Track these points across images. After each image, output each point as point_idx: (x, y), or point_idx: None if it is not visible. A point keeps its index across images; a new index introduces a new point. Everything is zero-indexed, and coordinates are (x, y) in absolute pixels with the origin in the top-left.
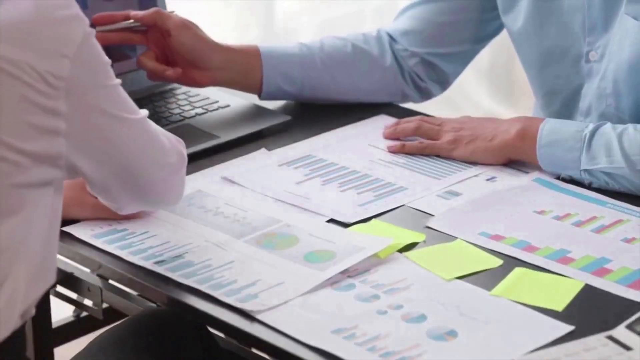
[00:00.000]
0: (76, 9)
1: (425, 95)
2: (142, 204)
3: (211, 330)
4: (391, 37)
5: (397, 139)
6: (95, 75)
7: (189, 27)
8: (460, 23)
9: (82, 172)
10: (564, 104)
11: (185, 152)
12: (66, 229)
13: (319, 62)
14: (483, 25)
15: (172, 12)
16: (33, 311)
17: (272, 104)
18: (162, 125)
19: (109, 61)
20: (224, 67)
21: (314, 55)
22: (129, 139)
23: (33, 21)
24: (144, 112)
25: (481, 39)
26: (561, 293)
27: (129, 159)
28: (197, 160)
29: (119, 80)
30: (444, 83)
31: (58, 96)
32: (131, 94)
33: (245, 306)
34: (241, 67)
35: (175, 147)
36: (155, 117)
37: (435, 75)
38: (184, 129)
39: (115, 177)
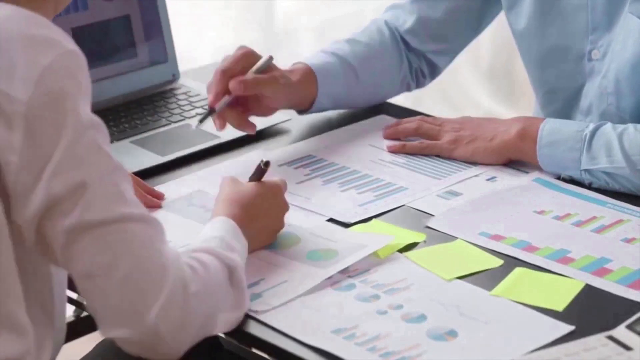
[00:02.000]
0: (53, 33)
1: (418, 86)
2: (120, 328)
3: None
4: (400, 36)
5: (398, 139)
6: (59, 112)
7: (278, 86)
8: (462, 19)
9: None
10: (565, 102)
11: (196, 283)
12: None
13: (356, 78)
14: (482, 17)
15: (268, 62)
16: None
17: None
18: (162, 125)
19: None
20: (291, 103)
21: (354, 70)
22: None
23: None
24: (131, 209)
25: (480, 30)
26: (561, 293)
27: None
28: (197, 160)
29: (102, 142)
30: (436, 74)
31: (12, 124)
32: (131, 94)
33: (250, 306)
34: (301, 99)
35: (179, 269)
36: (155, 117)
37: (431, 69)
38: (184, 129)
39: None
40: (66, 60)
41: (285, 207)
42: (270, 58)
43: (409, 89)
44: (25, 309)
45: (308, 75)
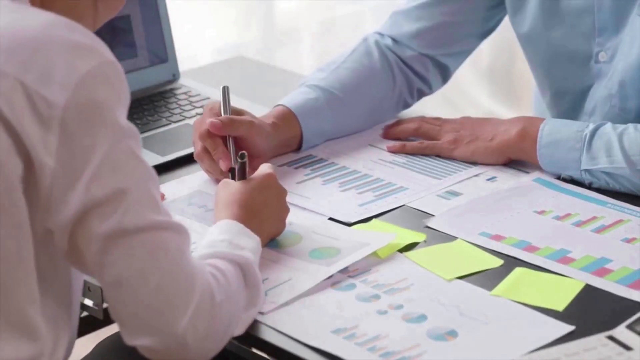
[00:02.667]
0: (94, 42)
1: (422, 96)
2: (147, 336)
3: None
4: (396, 42)
5: (398, 139)
6: (96, 118)
7: (257, 127)
8: (470, 21)
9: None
10: (572, 104)
11: (219, 292)
12: None
13: (344, 109)
14: (489, 20)
15: (239, 111)
16: None
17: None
18: (162, 125)
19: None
20: (276, 146)
21: (341, 102)
22: (124, 230)
23: (37, 37)
24: (163, 217)
25: (486, 33)
26: (561, 293)
27: (128, 263)
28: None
29: (134, 150)
30: (445, 81)
31: (49, 127)
32: (131, 94)
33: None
34: (285, 141)
35: (205, 279)
36: (155, 117)
37: (442, 77)
38: (184, 129)
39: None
40: (106, 69)
41: (283, 192)
42: (225, 89)
43: (407, 106)
44: (43, 313)
45: (287, 117)
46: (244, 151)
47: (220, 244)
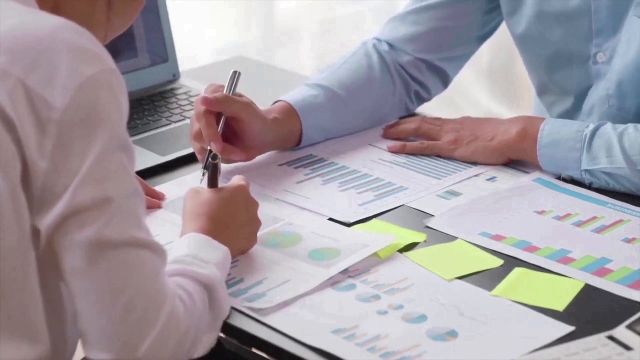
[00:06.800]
0: (100, 50)
1: (422, 102)
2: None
3: None
4: (392, 47)
5: (398, 139)
6: (93, 123)
7: (254, 111)
8: (467, 25)
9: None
10: (571, 104)
11: (185, 319)
12: None
13: (345, 106)
14: (486, 24)
15: (239, 95)
16: None
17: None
18: (162, 125)
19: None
20: (274, 140)
21: (342, 99)
22: (104, 236)
23: (43, 39)
24: (144, 235)
25: (483, 37)
26: (561, 293)
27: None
28: (197, 160)
29: (123, 161)
30: (445, 86)
31: (46, 130)
32: (131, 94)
33: (254, 305)
34: (285, 135)
35: (174, 305)
36: (155, 117)
37: (441, 82)
38: (184, 129)
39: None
40: (108, 77)
41: (254, 205)
42: (235, 73)
43: (408, 110)
44: (45, 315)
45: (287, 111)
46: (215, 152)
47: (184, 261)
